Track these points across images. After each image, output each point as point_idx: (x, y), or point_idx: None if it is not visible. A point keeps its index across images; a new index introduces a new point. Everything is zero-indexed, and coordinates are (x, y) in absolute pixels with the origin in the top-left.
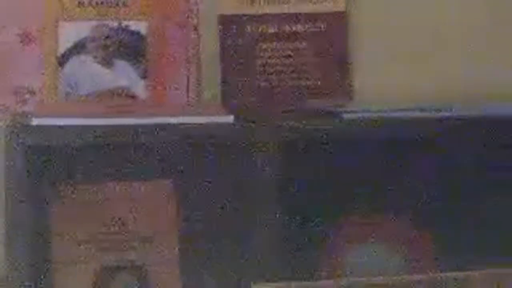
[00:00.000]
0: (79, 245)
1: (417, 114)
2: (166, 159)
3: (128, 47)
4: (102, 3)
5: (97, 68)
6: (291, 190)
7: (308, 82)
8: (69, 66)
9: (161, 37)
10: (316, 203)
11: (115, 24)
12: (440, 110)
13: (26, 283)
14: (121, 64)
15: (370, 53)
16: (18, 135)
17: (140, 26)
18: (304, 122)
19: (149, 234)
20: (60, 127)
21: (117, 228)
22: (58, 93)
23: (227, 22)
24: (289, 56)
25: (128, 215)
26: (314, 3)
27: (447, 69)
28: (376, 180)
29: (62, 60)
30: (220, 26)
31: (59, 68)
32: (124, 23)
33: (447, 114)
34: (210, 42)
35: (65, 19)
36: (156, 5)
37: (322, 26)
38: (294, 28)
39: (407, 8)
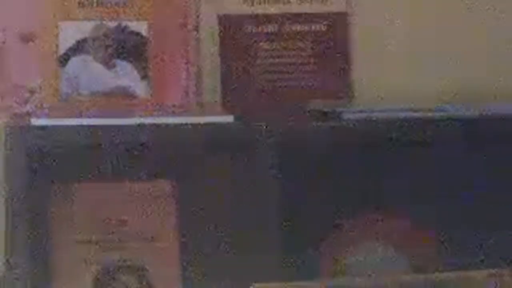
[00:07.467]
0: (79, 245)
1: (417, 114)
2: (166, 159)
3: (128, 47)
4: (102, 3)
5: (98, 68)
6: (291, 190)
7: (308, 82)
8: (69, 66)
9: (161, 37)
10: (316, 203)
11: (115, 24)
12: (439, 110)
13: (26, 283)
14: (122, 64)
15: (370, 53)
16: (18, 135)
17: (140, 26)
18: (304, 122)
19: (149, 234)
20: (60, 127)
21: (117, 228)
22: (58, 93)
23: (227, 22)
24: (289, 56)
25: (128, 215)
26: (314, 3)
27: (447, 69)
28: (376, 180)
29: (63, 60)
30: (220, 26)
31: (60, 68)
32: (124, 23)
33: (446, 114)
34: (210, 42)
35: (65, 19)
36: (156, 5)
37: (323, 26)
38: (294, 28)
39: (407, 9)
